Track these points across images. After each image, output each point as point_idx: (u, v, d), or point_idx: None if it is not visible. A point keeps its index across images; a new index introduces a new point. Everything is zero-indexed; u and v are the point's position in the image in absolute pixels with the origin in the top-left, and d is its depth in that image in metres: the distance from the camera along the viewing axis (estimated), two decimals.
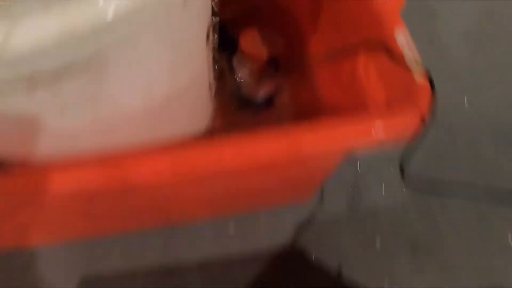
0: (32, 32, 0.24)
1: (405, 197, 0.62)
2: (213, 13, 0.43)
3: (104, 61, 0.29)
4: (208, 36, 0.41)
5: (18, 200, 0.36)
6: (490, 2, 0.82)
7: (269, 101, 0.63)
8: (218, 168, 0.32)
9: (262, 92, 0.62)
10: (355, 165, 0.64)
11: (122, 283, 0.58)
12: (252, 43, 0.58)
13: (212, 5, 0.43)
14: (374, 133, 0.35)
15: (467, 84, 0.73)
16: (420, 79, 0.35)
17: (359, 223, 0.61)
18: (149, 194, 0.41)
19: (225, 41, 0.52)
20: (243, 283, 0.57)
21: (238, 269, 0.58)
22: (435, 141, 0.67)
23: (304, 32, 0.57)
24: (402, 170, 0.38)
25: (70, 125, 0.34)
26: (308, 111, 0.46)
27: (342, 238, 0.60)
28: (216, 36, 0.46)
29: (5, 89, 0.28)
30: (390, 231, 0.60)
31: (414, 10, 0.78)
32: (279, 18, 0.60)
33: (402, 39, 0.37)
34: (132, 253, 0.59)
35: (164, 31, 0.31)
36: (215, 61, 0.50)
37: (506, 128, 0.70)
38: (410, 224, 0.61)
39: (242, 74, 0.61)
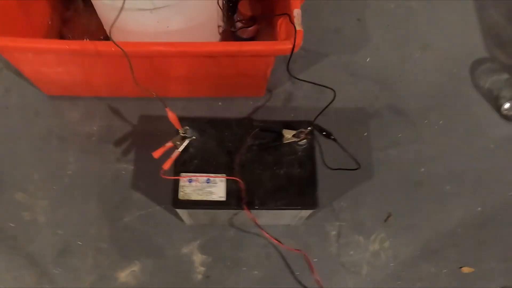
0: None
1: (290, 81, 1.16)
2: None
3: (176, 6, 0.82)
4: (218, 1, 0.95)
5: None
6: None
7: (252, 38, 1.16)
8: (216, 49, 0.86)
9: (247, 34, 1.14)
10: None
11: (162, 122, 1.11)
12: (244, 7, 1.10)
13: None
14: (278, 47, 0.88)
15: (371, 48, 1.24)
16: (297, 30, 0.87)
17: (288, 111, 1.14)
18: (181, 65, 0.95)
19: (231, 6, 1.06)
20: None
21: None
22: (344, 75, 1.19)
23: (269, 6, 1.10)
24: (288, 66, 0.90)
25: (158, 30, 0.88)
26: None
27: (277, 117, 1.13)
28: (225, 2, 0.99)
29: (142, 11, 0.82)
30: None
31: (358, 4, 1.29)
32: None
33: (297, 13, 0.89)
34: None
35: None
36: (223, 15, 1.03)
37: (387, 69, 1.21)
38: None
39: (238, 23, 1.14)
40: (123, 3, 0.77)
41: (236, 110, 1.13)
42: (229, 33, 1.15)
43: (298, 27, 0.87)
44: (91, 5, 0.98)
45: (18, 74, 1.14)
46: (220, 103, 1.14)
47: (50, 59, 0.96)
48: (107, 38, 1.08)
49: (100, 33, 1.11)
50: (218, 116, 1.13)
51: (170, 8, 0.84)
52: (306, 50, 1.18)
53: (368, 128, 1.13)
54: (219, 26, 1.08)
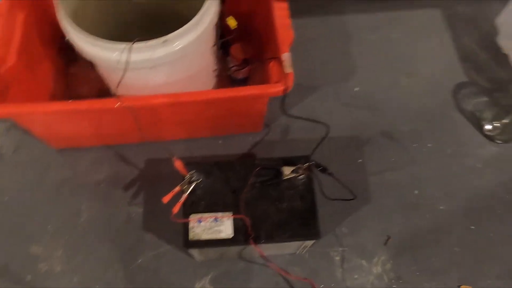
0: (158, 53, 0.85)
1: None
2: (219, 37, 1.04)
3: (173, 61, 0.90)
4: (213, 47, 1.02)
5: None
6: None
7: (245, 79, 1.23)
8: (214, 97, 0.93)
9: (241, 75, 1.22)
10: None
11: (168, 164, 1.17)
12: (236, 50, 1.18)
13: (216, 34, 1.03)
14: (271, 91, 0.95)
15: (358, 78, 1.31)
16: (287, 73, 0.94)
17: (286, 144, 1.20)
18: (182, 112, 1.02)
19: (224, 49, 1.13)
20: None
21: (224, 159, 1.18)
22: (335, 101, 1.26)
23: (261, 47, 1.18)
24: (282, 106, 0.97)
25: (158, 83, 0.95)
26: (262, 83, 1.05)
27: (276, 150, 1.19)
28: (219, 47, 1.07)
29: (142, 68, 0.89)
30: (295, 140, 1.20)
31: (343, 37, 1.37)
32: (251, 39, 1.19)
33: (286, 57, 0.96)
34: (170, 149, 1.19)
35: (196, 50, 0.92)
36: (217, 58, 1.11)
37: (375, 97, 1.28)
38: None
39: (231, 65, 1.21)
40: (125, 67, 0.84)
41: (236, 147, 1.19)
42: (224, 75, 1.22)
43: (288, 70, 0.94)
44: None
45: (26, 131, 1.21)
46: (220, 141, 1.21)
47: (60, 118, 1.03)
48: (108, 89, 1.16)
49: (101, 84, 1.19)
50: (220, 154, 1.19)
51: (169, 64, 0.91)
52: (297, 84, 1.24)
53: (363, 154, 1.19)
54: (214, 70, 1.15)
